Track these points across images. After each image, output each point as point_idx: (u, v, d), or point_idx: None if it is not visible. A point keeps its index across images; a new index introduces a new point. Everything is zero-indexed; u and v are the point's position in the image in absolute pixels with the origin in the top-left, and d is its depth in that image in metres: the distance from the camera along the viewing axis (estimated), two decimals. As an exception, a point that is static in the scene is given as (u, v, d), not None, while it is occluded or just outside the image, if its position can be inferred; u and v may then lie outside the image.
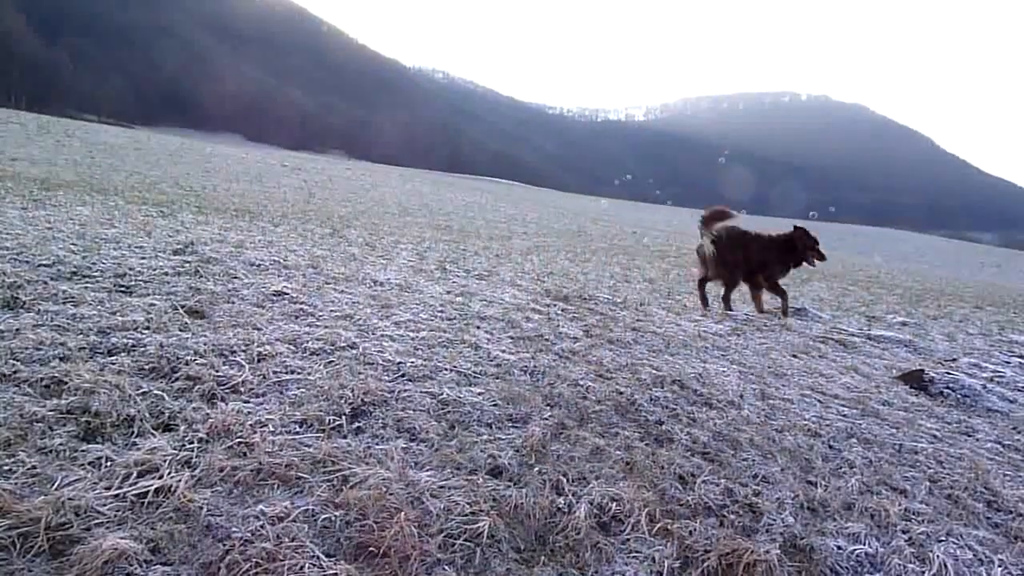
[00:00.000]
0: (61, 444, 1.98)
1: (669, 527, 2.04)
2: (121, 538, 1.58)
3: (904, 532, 2.25)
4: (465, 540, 1.83)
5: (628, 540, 1.98)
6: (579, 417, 2.90)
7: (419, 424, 2.53)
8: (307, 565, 1.59)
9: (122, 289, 3.67)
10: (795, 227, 6.79)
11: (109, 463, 1.91)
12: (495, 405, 2.85)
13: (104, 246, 4.75)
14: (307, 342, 3.25)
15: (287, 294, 4.14)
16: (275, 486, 1.96)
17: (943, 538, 2.25)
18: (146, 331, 3.01)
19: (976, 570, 2.09)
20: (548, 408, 2.93)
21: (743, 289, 7.27)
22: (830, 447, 3.06)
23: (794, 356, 5.12)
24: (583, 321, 4.97)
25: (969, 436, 3.62)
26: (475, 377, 3.17)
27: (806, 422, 3.35)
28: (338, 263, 5.89)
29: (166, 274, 4.12)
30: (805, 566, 2.00)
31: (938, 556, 2.09)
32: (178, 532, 1.66)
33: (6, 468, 1.82)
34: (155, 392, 2.41)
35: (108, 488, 1.79)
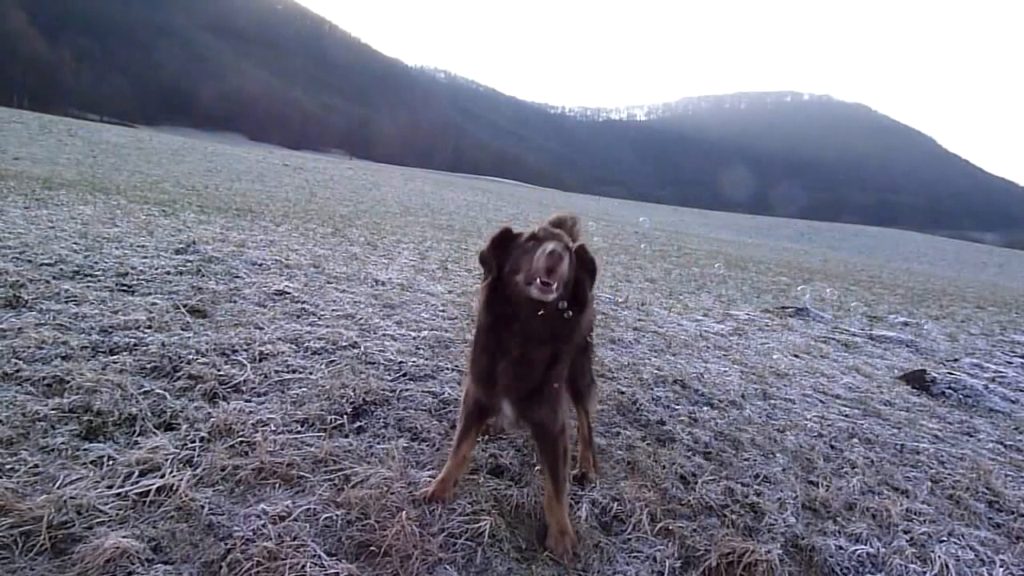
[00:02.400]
0: (63, 443, 1.98)
1: (670, 527, 2.04)
2: (123, 537, 1.58)
3: (906, 532, 2.25)
4: (466, 539, 1.83)
5: (629, 540, 1.98)
6: (580, 417, 2.90)
7: (420, 423, 2.54)
8: (308, 564, 1.60)
9: (124, 288, 3.68)
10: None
11: (111, 462, 1.91)
12: (496, 405, 2.85)
13: (106, 245, 4.76)
14: (309, 341, 3.26)
15: (289, 293, 4.15)
16: (277, 485, 1.96)
17: (944, 538, 2.25)
18: (148, 330, 3.02)
19: (978, 570, 2.09)
20: (549, 408, 2.93)
21: (743, 286, 7.25)
22: (832, 447, 3.06)
23: (796, 356, 5.12)
24: (584, 321, 4.97)
25: (971, 436, 3.61)
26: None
27: (808, 422, 3.35)
28: (340, 262, 5.89)
29: (168, 273, 4.13)
30: (806, 566, 2.00)
31: (939, 556, 2.08)
32: (180, 531, 1.67)
33: (8, 467, 1.82)
34: (157, 391, 2.42)
35: (110, 487, 1.79)
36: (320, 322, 3.68)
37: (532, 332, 1.77)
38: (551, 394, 1.88)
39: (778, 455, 2.83)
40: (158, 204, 8.64)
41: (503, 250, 1.81)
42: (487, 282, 1.82)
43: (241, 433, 2.20)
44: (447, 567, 1.71)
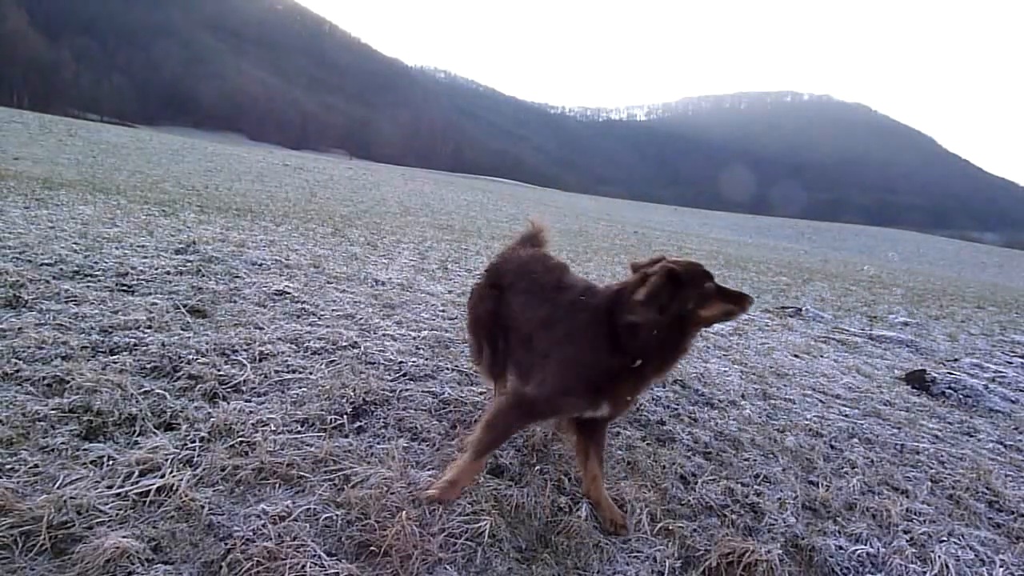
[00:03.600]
0: (63, 443, 1.98)
1: (670, 527, 2.04)
2: (123, 537, 1.58)
3: (906, 532, 2.25)
4: (466, 539, 1.83)
5: (629, 540, 1.98)
6: (580, 417, 2.90)
7: (421, 423, 2.54)
8: (308, 564, 1.60)
9: (124, 288, 3.68)
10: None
11: (111, 462, 1.91)
12: (496, 404, 2.85)
13: (106, 245, 4.76)
14: (309, 341, 3.26)
15: (289, 293, 4.14)
16: (277, 485, 1.96)
17: (944, 538, 2.25)
18: (148, 330, 3.02)
19: (978, 570, 2.09)
20: (549, 408, 2.93)
21: (743, 286, 7.19)
22: (832, 447, 3.06)
23: (796, 356, 5.12)
24: (584, 321, 4.97)
25: (971, 436, 3.61)
26: (477, 376, 3.17)
27: (808, 422, 3.35)
28: (340, 262, 5.89)
29: (168, 273, 4.13)
30: (806, 566, 2.00)
31: (939, 556, 2.08)
32: (180, 531, 1.67)
33: (8, 467, 1.82)
34: (157, 391, 2.42)
35: (110, 487, 1.79)
36: (320, 322, 3.68)
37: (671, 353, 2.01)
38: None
39: (778, 455, 2.83)
40: (158, 204, 8.64)
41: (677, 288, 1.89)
42: (658, 314, 1.86)
43: (241, 433, 2.20)
44: (447, 567, 1.71)
